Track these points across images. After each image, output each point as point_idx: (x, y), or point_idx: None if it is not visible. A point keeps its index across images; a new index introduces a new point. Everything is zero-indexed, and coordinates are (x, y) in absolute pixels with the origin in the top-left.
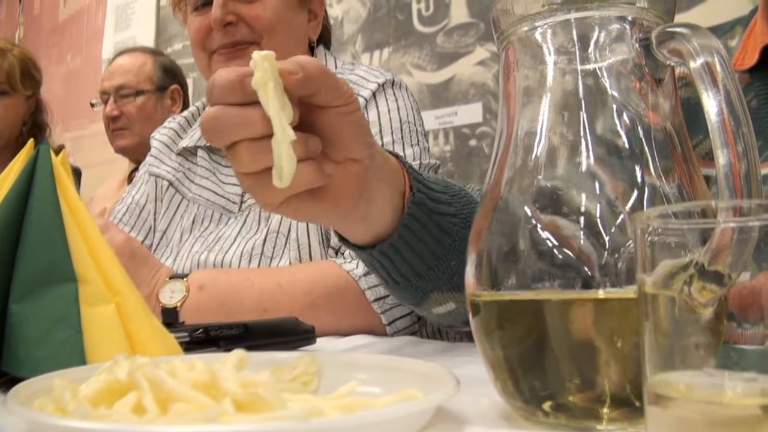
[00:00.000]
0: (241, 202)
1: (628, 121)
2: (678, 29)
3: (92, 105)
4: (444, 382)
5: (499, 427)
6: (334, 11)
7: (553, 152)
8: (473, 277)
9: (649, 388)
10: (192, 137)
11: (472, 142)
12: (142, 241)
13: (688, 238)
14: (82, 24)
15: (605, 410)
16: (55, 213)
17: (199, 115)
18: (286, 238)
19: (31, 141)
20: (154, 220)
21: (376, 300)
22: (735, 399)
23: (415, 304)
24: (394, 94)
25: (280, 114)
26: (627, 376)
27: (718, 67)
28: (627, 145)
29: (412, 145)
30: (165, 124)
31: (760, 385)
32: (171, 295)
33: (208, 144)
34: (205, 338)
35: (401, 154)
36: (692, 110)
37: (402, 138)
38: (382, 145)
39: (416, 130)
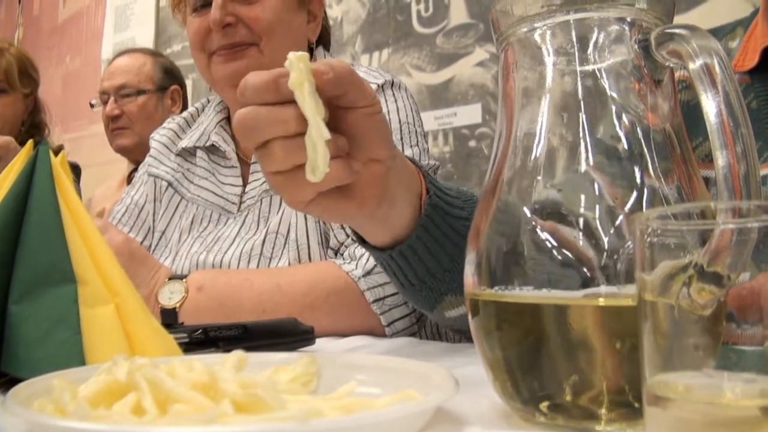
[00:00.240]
0: (240, 203)
1: (627, 123)
2: (677, 30)
3: (92, 105)
4: (443, 382)
5: (498, 427)
6: (334, 12)
7: (553, 153)
8: (472, 277)
9: (648, 389)
10: (191, 138)
11: (472, 143)
12: (141, 242)
13: (688, 239)
14: (82, 25)
15: (604, 411)
16: (55, 214)
17: (198, 115)
18: (285, 239)
19: (30, 141)
20: (153, 220)
21: (375, 301)
22: (734, 400)
23: (429, 308)
24: (394, 95)
25: (315, 113)
26: (626, 377)
27: (717, 68)
28: (626, 147)
29: (411, 146)
30: (164, 124)
31: (759, 386)
32: (170, 295)
33: (207, 144)
34: (205, 339)
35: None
36: (692, 113)
37: (401, 139)
38: None
39: (415, 131)
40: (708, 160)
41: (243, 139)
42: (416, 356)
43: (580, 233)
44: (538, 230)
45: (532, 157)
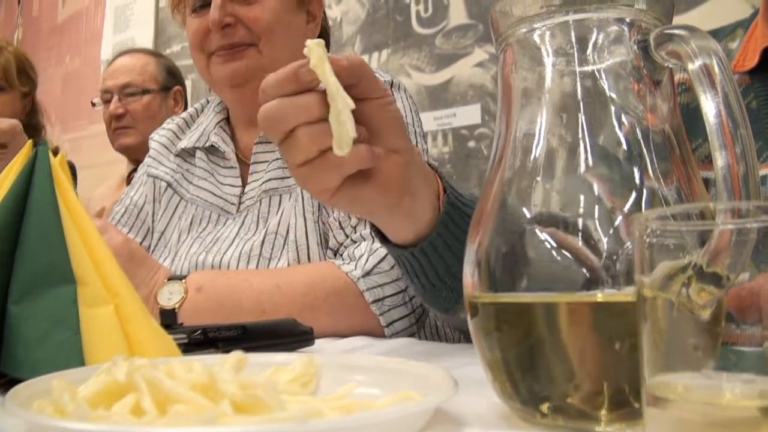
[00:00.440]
0: (239, 203)
1: (626, 123)
2: (676, 31)
3: (93, 104)
4: (442, 383)
5: (498, 428)
6: (333, 12)
7: (552, 154)
8: (471, 278)
9: (648, 390)
10: (190, 138)
11: (471, 144)
12: (140, 243)
13: (687, 240)
14: (81, 25)
15: (603, 412)
16: (54, 214)
17: (198, 116)
18: (285, 240)
19: (30, 142)
20: (152, 221)
21: (374, 301)
22: (733, 400)
23: (445, 310)
24: (393, 95)
25: (338, 84)
26: (625, 378)
27: (716, 68)
28: (625, 147)
29: None
30: (164, 125)
31: (758, 386)
32: (169, 296)
33: (206, 145)
34: (204, 339)
35: None
36: (691, 115)
37: None
38: None
39: (415, 131)
40: (708, 161)
41: (268, 132)
42: (416, 357)
43: (580, 234)
44: (537, 231)
45: (532, 157)
